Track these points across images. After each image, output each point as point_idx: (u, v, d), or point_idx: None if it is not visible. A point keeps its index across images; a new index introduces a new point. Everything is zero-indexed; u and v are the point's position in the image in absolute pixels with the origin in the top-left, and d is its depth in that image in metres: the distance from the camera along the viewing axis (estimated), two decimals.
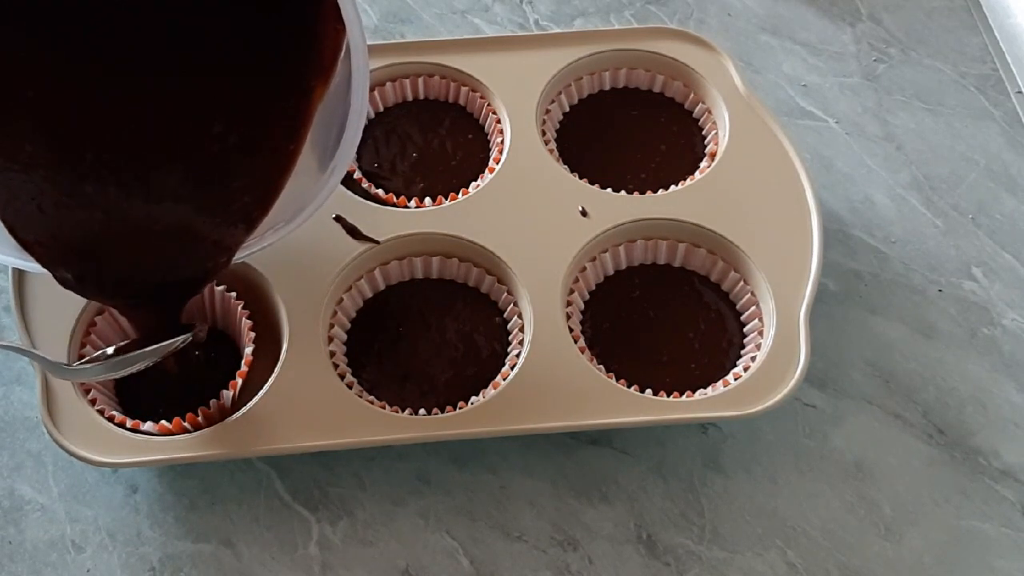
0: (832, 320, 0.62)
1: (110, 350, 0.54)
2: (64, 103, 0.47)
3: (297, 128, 0.49)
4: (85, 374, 0.52)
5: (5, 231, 0.49)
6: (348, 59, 0.48)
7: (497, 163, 0.62)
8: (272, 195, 0.50)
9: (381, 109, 0.66)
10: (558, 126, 0.65)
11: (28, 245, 0.49)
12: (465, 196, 0.61)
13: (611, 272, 0.61)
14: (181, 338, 0.52)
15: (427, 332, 0.58)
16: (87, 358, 0.54)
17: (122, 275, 0.51)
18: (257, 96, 0.48)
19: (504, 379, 0.55)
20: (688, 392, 0.56)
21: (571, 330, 0.57)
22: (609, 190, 0.62)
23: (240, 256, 0.52)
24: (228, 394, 0.55)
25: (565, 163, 0.63)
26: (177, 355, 0.53)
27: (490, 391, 0.55)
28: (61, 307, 0.56)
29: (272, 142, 0.49)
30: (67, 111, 0.47)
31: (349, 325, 0.58)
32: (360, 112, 0.48)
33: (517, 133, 0.63)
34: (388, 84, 0.65)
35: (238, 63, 0.48)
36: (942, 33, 0.75)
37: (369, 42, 0.70)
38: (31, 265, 0.50)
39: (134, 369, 0.52)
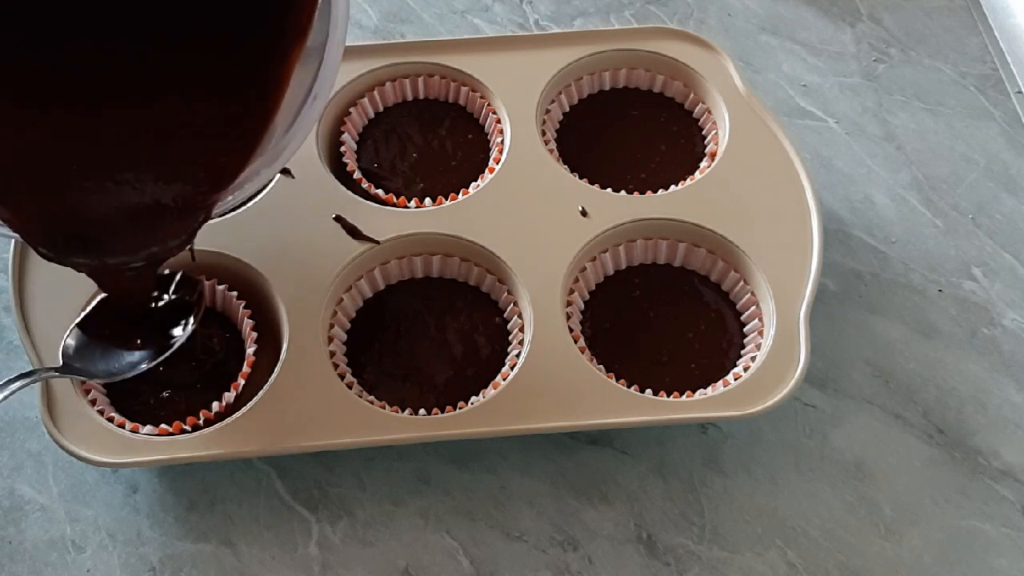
0: (832, 320, 0.62)
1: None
2: (39, 71, 0.47)
3: (275, 90, 0.48)
4: (86, 375, 0.53)
5: None
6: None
7: (497, 163, 0.62)
8: (248, 155, 0.49)
9: (381, 109, 0.66)
10: (558, 126, 0.65)
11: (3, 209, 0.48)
12: (465, 196, 0.61)
13: (611, 272, 0.61)
14: (180, 340, 0.52)
15: (427, 332, 0.58)
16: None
17: (98, 240, 0.50)
18: (234, 63, 0.48)
19: (504, 379, 0.55)
20: (688, 392, 0.56)
21: (571, 330, 0.57)
22: (609, 190, 0.62)
23: (220, 209, 0.51)
24: (231, 395, 0.55)
25: (565, 163, 0.63)
26: (180, 356, 0.54)
27: (490, 391, 0.55)
28: (61, 307, 0.56)
29: (250, 107, 0.48)
30: (40, 78, 0.47)
31: (349, 325, 0.58)
32: (338, 46, 0.49)
33: (517, 133, 0.63)
34: (388, 84, 0.65)
35: (213, 31, 0.48)
36: (942, 33, 0.75)
37: (369, 42, 0.71)
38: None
39: (137, 371, 0.52)
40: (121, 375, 0.53)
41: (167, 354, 0.53)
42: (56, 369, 0.53)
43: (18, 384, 0.51)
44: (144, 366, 0.53)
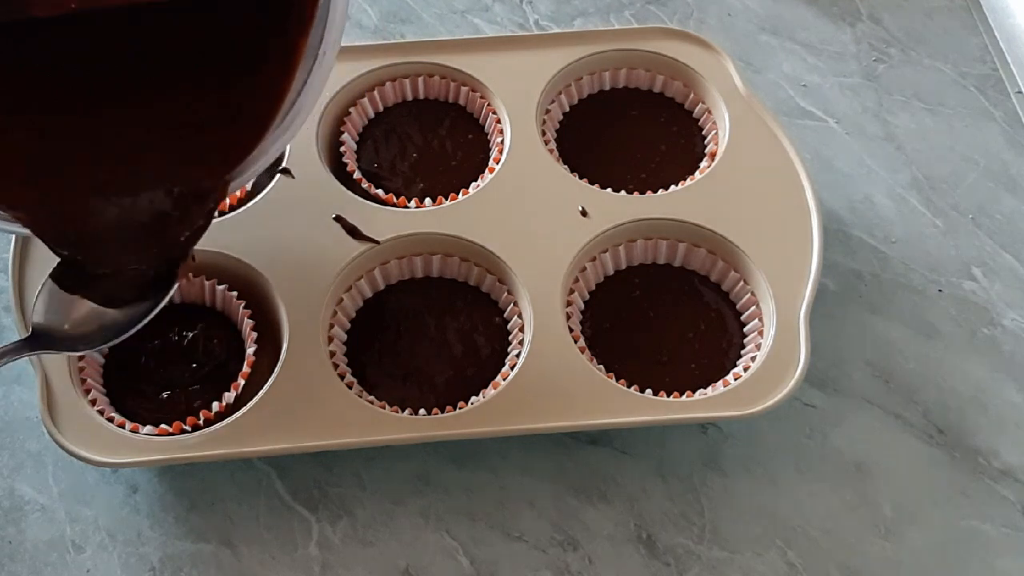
0: (832, 320, 0.62)
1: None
2: (41, 74, 0.48)
3: (284, 81, 0.49)
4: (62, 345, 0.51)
5: None
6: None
7: (497, 163, 0.62)
8: (258, 136, 0.50)
9: (381, 109, 0.66)
10: (558, 126, 0.65)
11: (16, 213, 0.48)
12: (465, 196, 0.61)
13: (611, 272, 0.61)
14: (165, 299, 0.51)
15: (427, 332, 0.58)
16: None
17: (114, 237, 0.50)
18: (243, 60, 0.48)
19: (504, 379, 0.55)
20: (688, 392, 0.56)
21: (571, 330, 0.57)
22: (609, 190, 0.62)
23: (233, 189, 0.51)
24: (231, 395, 0.55)
25: (565, 163, 0.63)
26: (180, 357, 0.53)
27: (490, 391, 0.55)
28: None
29: (259, 98, 0.49)
30: (44, 81, 0.48)
31: (349, 325, 0.58)
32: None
33: (517, 133, 0.63)
34: (388, 84, 0.65)
35: (222, 30, 0.48)
36: (942, 33, 0.75)
37: (369, 42, 0.71)
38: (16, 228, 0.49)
39: (125, 335, 0.50)
40: (103, 339, 0.50)
41: (152, 315, 0.51)
42: (26, 342, 0.50)
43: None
44: (126, 332, 0.50)
